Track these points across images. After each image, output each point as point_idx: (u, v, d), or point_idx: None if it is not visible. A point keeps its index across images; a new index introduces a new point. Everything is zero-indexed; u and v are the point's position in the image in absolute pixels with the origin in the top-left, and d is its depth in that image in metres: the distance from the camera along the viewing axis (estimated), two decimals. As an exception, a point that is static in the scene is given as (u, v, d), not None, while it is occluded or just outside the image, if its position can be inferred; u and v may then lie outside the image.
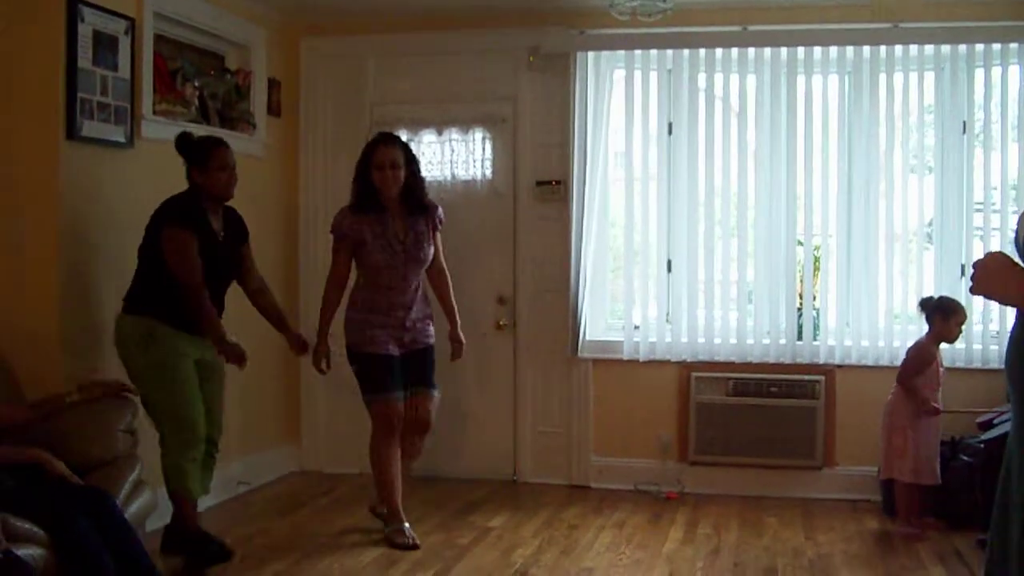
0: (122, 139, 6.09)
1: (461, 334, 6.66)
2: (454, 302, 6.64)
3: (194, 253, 5.59)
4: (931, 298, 6.70)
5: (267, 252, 7.53)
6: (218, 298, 5.86)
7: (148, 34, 6.34)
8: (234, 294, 6.10)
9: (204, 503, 6.29)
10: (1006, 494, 3.04)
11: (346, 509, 7.09)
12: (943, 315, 6.56)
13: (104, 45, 5.92)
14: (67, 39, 5.69)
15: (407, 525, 6.33)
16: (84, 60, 5.77)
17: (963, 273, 7.19)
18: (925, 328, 6.68)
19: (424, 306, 6.48)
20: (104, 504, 4.65)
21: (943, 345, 6.69)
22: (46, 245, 5.72)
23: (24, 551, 4.18)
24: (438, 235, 6.49)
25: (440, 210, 6.51)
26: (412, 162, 6.36)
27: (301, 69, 8.12)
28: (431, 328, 6.51)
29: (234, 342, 5.73)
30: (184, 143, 5.80)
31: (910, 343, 6.87)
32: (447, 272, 6.61)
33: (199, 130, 6.62)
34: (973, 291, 2.91)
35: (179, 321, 5.66)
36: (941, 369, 6.66)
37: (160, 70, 6.57)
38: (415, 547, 6.18)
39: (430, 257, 6.42)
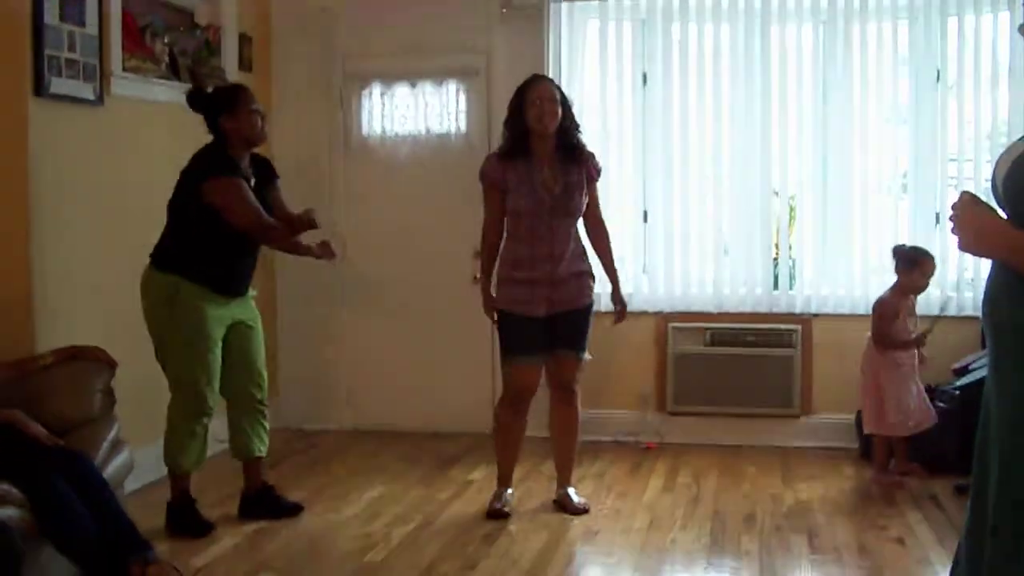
0: (91, 96, 6.01)
1: (623, 295, 6.25)
2: (614, 259, 6.23)
3: (250, 195, 5.47)
4: (903, 246, 6.70)
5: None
6: (245, 255, 5.75)
7: (116, -11, 6.26)
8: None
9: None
10: (984, 440, 3.05)
11: (325, 466, 7.10)
12: (907, 267, 6.56)
13: (71, 0, 5.83)
14: (33, -6, 5.61)
15: (509, 491, 6.17)
16: (51, 16, 5.67)
17: (937, 222, 7.21)
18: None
19: (579, 262, 5.97)
20: (81, 464, 4.63)
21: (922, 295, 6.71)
22: (16, 204, 5.64)
23: (2, 512, 4.16)
24: (595, 186, 6.04)
25: (596, 160, 6.06)
26: (567, 104, 5.94)
27: (272, 24, 8.05)
28: (590, 285, 6.02)
29: (317, 244, 5.76)
30: (200, 97, 5.66)
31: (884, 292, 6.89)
32: (606, 227, 6.18)
33: (169, 87, 6.60)
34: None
35: (209, 280, 5.54)
36: (911, 319, 6.67)
37: (129, 26, 6.48)
38: (502, 514, 5.96)
39: (582, 208, 5.95)
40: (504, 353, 6.03)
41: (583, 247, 6.06)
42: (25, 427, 4.66)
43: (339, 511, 6.07)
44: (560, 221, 5.87)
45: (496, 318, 6.04)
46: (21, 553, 4.12)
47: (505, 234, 6.00)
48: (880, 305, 6.65)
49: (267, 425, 6.03)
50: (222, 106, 5.58)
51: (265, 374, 5.99)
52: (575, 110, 6.08)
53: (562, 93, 5.98)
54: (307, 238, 5.91)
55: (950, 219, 2.90)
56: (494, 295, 6.04)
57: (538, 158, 5.90)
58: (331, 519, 5.92)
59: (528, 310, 5.90)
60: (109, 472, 4.91)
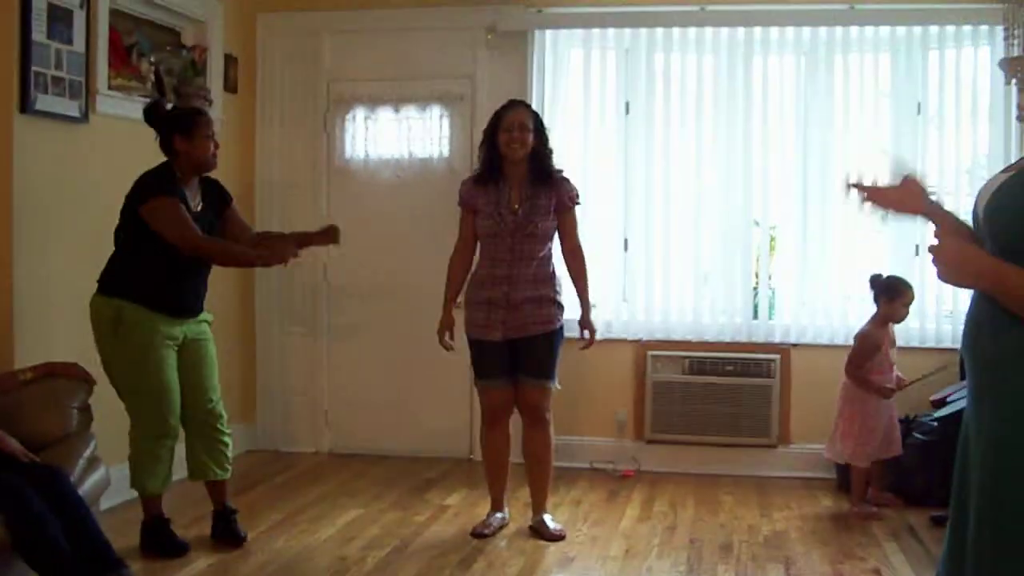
0: (76, 114, 6.03)
1: (592, 322, 6.21)
2: (587, 286, 6.18)
3: (185, 215, 5.39)
4: (880, 276, 6.72)
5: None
6: (195, 276, 5.68)
7: (103, 8, 6.26)
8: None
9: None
10: (963, 470, 3.06)
11: (301, 488, 7.07)
12: (888, 297, 6.59)
13: (59, 18, 5.85)
14: (21, 11, 5.62)
15: (498, 515, 6.20)
16: (38, 33, 5.70)
17: (917, 253, 7.24)
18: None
19: (540, 286, 5.95)
20: (57, 481, 4.61)
21: (901, 324, 6.73)
22: (0, 220, 5.65)
23: (-24, 528, 4.15)
24: (571, 214, 6.07)
25: (571, 185, 6.09)
26: (541, 129, 6.00)
27: (258, 45, 8.07)
28: (551, 311, 5.99)
29: (266, 253, 5.66)
30: (156, 113, 5.59)
31: (865, 322, 6.92)
32: (582, 252, 6.15)
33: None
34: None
35: (154, 302, 5.47)
36: (892, 350, 6.69)
37: (115, 45, 6.50)
38: (482, 535, 6.01)
39: (547, 232, 5.97)
40: (475, 375, 6.17)
41: (552, 274, 6.06)
42: (3, 444, 4.64)
43: (315, 533, 6.05)
44: (521, 244, 5.93)
45: (448, 344, 6.20)
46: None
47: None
48: (862, 338, 6.66)
49: (227, 445, 5.92)
50: (178, 127, 5.53)
51: (217, 394, 5.86)
52: (557, 136, 6.11)
53: (537, 119, 6.04)
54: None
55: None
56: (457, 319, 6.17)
57: (509, 182, 5.99)
58: (307, 541, 5.90)
59: (485, 334, 5.99)
60: (85, 489, 4.89)
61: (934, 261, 2.88)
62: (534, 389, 6.02)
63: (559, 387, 6.14)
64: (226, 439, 5.91)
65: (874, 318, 6.67)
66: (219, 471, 5.87)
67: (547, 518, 6.12)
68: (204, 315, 5.81)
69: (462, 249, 6.17)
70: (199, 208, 5.61)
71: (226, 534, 5.87)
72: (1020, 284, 2.73)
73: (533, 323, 5.95)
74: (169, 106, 5.74)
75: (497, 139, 5.95)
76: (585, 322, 6.18)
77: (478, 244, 6.11)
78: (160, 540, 5.63)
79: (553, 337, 6.01)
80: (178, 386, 5.62)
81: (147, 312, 5.45)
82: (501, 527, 6.18)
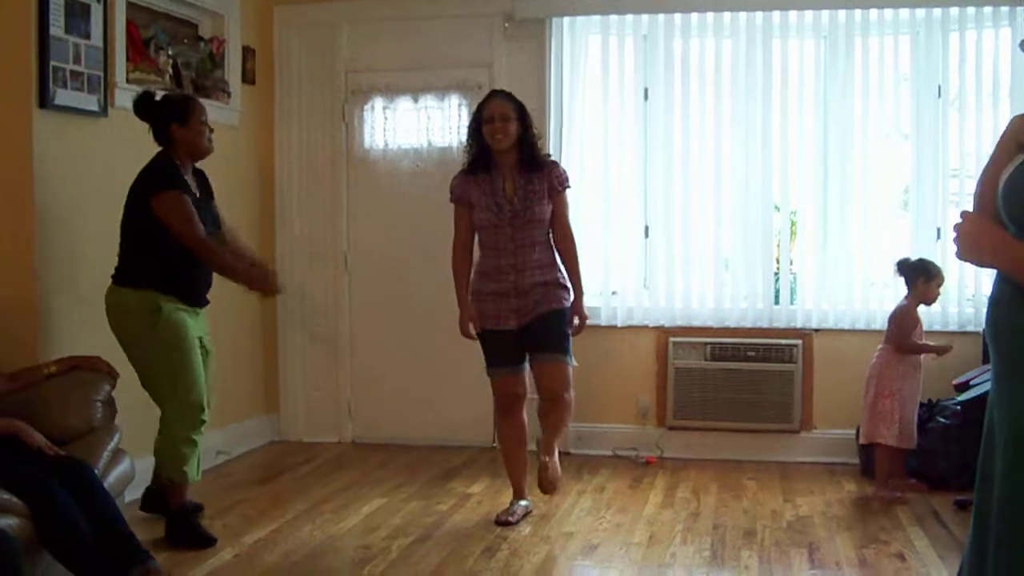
0: (95, 108, 6.04)
1: (584, 307, 6.15)
2: (579, 271, 6.12)
3: (192, 210, 5.45)
4: (908, 260, 6.70)
5: (243, 221, 7.49)
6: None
7: (121, 2, 6.29)
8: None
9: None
10: (988, 451, 3.05)
11: (325, 477, 7.09)
12: (926, 278, 6.57)
13: (76, 13, 5.86)
14: (38, 6, 5.64)
15: (522, 503, 6.21)
16: (56, 28, 5.72)
17: (939, 237, 7.22)
18: (902, 291, 6.71)
19: (547, 271, 6.01)
20: (82, 474, 4.63)
21: (921, 307, 6.71)
22: (22, 214, 5.68)
23: (3, 521, 4.17)
24: (562, 196, 6.06)
25: (562, 169, 6.11)
26: (525, 117, 5.99)
27: (275, 37, 8.08)
28: (559, 293, 6.03)
29: (258, 272, 5.72)
30: (148, 103, 5.62)
31: (887, 307, 6.91)
32: (572, 237, 6.11)
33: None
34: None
35: (183, 294, 5.56)
36: (923, 331, 6.69)
37: (133, 38, 6.52)
38: (506, 523, 6.01)
39: (544, 217, 5.99)
40: (487, 366, 6.16)
41: (554, 258, 6.08)
42: (27, 437, 4.66)
43: (339, 523, 6.06)
44: (522, 231, 5.96)
45: (474, 334, 6.11)
46: (22, 562, 4.12)
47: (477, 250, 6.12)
48: (901, 312, 6.65)
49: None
50: (174, 114, 5.57)
51: (214, 392, 5.96)
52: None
53: (520, 107, 6.02)
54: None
55: (954, 228, 2.91)
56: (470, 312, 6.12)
57: (500, 171, 6.02)
58: (331, 531, 5.91)
59: (498, 323, 6.01)
60: (110, 482, 4.91)
61: (955, 239, 2.88)
62: (553, 365, 6.00)
63: (576, 364, 6.13)
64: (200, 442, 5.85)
65: (907, 298, 6.65)
66: (198, 472, 5.80)
67: (549, 460, 6.05)
68: (203, 308, 5.86)
69: (461, 247, 6.15)
70: (198, 194, 5.68)
71: (200, 539, 5.70)
72: None
73: (544, 302, 5.98)
74: (158, 95, 5.74)
75: (482, 131, 5.98)
76: (577, 308, 6.13)
77: (475, 237, 6.13)
78: (188, 532, 5.64)
79: (563, 314, 6.04)
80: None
81: (177, 302, 5.53)
82: (525, 514, 6.18)
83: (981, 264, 2.97)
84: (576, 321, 6.14)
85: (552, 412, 6.12)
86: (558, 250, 6.10)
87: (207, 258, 5.56)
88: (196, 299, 5.69)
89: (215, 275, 5.78)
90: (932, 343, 6.65)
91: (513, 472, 6.27)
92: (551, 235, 6.08)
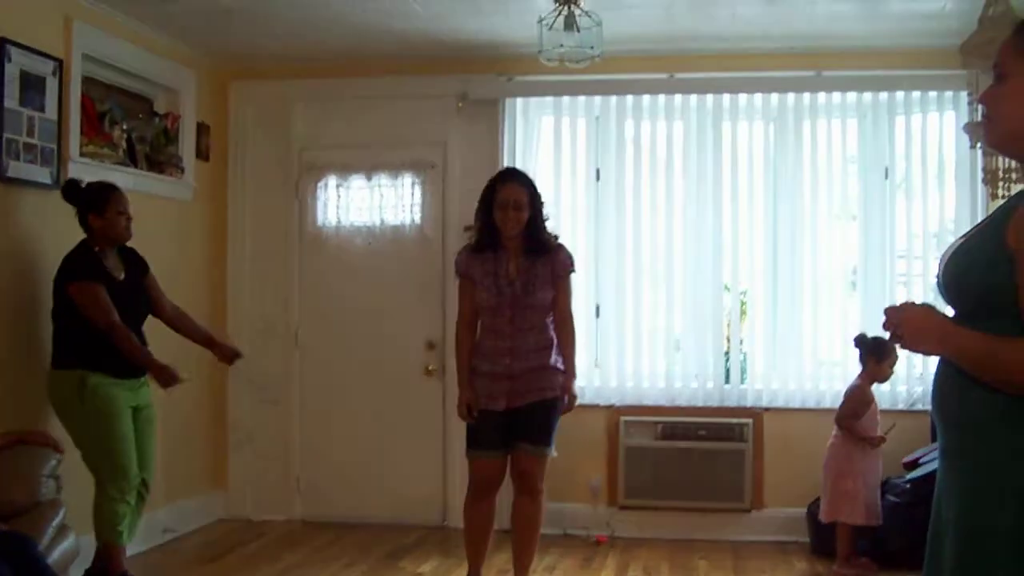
0: (48, 180, 6.03)
1: (575, 389, 6.03)
2: (573, 355, 6.03)
3: (105, 297, 5.63)
4: (865, 336, 6.76)
5: (194, 295, 7.50)
6: (138, 335, 5.89)
7: (76, 76, 6.31)
8: (158, 335, 6.06)
9: (130, 550, 6.21)
10: (936, 533, 3.06)
11: (273, 555, 7.02)
12: (877, 358, 6.63)
13: (31, 86, 5.88)
14: (-7, 78, 5.64)
15: None
16: (11, 100, 5.72)
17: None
18: (851, 369, 6.77)
19: (543, 355, 5.92)
20: (26, 549, 4.55)
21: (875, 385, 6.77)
22: (-28, 286, 5.65)
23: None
24: (565, 282, 6.00)
25: (566, 254, 6.03)
26: (536, 201, 5.95)
27: (230, 113, 8.10)
28: (552, 379, 5.93)
29: (164, 364, 5.72)
30: (73, 190, 5.81)
31: (837, 386, 6.97)
32: (571, 323, 6.03)
33: (127, 174, 6.63)
34: (904, 347, 2.93)
35: (111, 367, 5.69)
36: (877, 409, 6.74)
37: (88, 112, 6.53)
38: None
39: (545, 303, 5.92)
40: (467, 445, 6.04)
41: (552, 342, 5.99)
42: (-29, 511, 4.61)
43: (287, 601, 6.01)
44: (522, 315, 5.90)
45: (468, 414, 5.99)
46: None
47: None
48: (854, 392, 6.71)
49: (142, 512, 6.00)
50: (91, 205, 5.77)
51: (153, 468, 6.06)
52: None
53: (532, 190, 5.97)
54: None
55: (887, 312, 2.92)
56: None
57: (506, 252, 5.95)
58: (279, 609, 5.86)
59: (488, 404, 5.91)
60: (54, 558, 4.84)
61: (899, 329, 2.89)
62: (531, 456, 5.92)
63: (555, 455, 6.07)
64: (143, 504, 6.01)
65: (862, 375, 6.71)
66: (131, 535, 5.90)
67: None
68: (144, 379, 5.93)
69: (464, 324, 6.07)
70: (122, 277, 5.87)
71: None
72: (979, 349, 2.74)
73: (534, 390, 5.89)
74: (84, 184, 5.87)
75: (493, 212, 5.92)
76: (567, 387, 6.03)
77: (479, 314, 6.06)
78: None
79: (553, 405, 5.95)
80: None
81: (105, 377, 5.68)
82: None
83: (928, 353, 2.99)
84: (566, 400, 6.04)
85: (525, 511, 6.01)
86: (556, 334, 6.01)
87: (118, 344, 5.67)
88: (126, 371, 5.79)
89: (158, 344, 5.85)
90: (876, 432, 6.68)
91: (472, 554, 6.13)
92: (552, 316, 6.01)
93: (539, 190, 6.04)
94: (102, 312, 5.60)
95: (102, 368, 5.67)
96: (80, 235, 5.77)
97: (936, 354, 2.94)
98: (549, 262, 5.94)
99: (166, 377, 5.74)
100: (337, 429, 8.01)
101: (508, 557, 6.26)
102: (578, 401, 6.13)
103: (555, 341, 5.99)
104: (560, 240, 6.13)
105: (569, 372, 6.04)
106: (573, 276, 6.12)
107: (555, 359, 5.95)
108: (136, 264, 6.02)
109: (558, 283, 5.98)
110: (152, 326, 6.05)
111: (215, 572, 6.64)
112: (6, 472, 5.09)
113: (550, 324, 6.00)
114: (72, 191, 5.80)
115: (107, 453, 5.67)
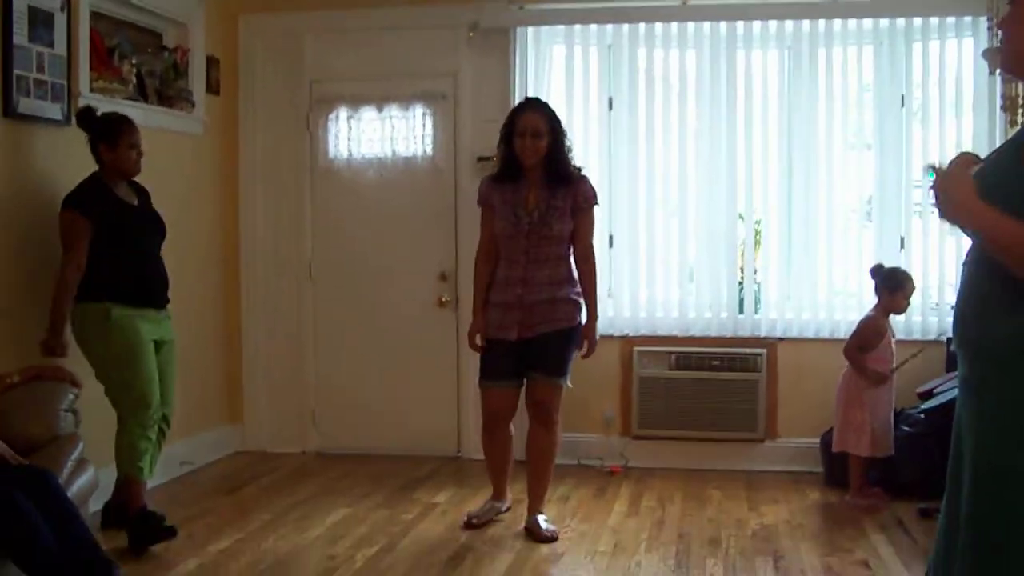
0: (59, 116, 6.01)
1: (596, 331, 6.11)
2: (595, 293, 6.06)
3: (80, 234, 5.62)
4: (881, 266, 6.74)
5: (207, 230, 7.52)
6: (153, 261, 5.94)
7: (84, 11, 6.26)
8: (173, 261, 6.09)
9: (148, 482, 6.27)
10: (956, 462, 3.05)
11: (289, 488, 7.06)
12: (890, 289, 6.61)
13: (40, 21, 5.84)
14: (1, 15, 5.61)
15: (496, 504, 6.30)
16: (20, 36, 5.69)
17: (902, 247, 7.29)
18: (866, 300, 6.76)
19: (557, 288, 5.91)
20: (46, 483, 4.59)
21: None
22: (-16, 224, 5.65)
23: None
24: (587, 215, 6.00)
25: (589, 186, 6.01)
26: (557, 130, 5.92)
27: (240, 46, 8.04)
28: (567, 310, 5.95)
29: (62, 342, 5.66)
30: (88, 118, 5.79)
31: (851, 316, 6.97)
32: (593, 259, 6.05)
33: (137, 109, 6.59)
34: (941, 217, 2.90)
35: (134, 297, 5.75)
36: (893, 340, 6.72)
37: (97, 47, 6.49)
38: (470, 524, 6.12)
39: (563, 234, 5.92)
40: (480, 376, 6.12)
41: (568, 275, 6.00)
42: (-10, 447, 4.64)
43: (303, 533, 6.04)
44: (537, 246, 5.90)
45: (479, 345, 6.07)
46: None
47: None
48: (865, 324, 6.70)
49: (163, 446, 6.12)
50: (103, 135, 5.76)
51: (174, 393, 6.13)
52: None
53: (553, 120, 5.96)
54: None
55: (934, 185, 2.89)
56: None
57: (527, 182, 5.95)
58: (295, 541, 5.89)
59: (500, 334, 5.95)
60: (73, 491, 4.87)
61: (936, 189, 2.86)
62: (545, 386, 5.98)
63: (570, 386, 6.11)
64: (165, 439, 6.12)
65: (876, 307, 6.69)
66: (152, 470, 5.97)
67: (541, 519, 6.07)
68: (169, 310, 6.03)
69: (483, 253, 6.12)
70: (135, 202, 5.91)
71: (163, 530, 5.75)
72: (1007, 229, 2.70)
73: (546, 322, 5.92)
74: (99, 112, 5.85)
75: (513, 141, 5.92)
76: (588, 330, 6.08)
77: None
78: (150, 527, 5.66)
79: (567, 335, 5.98)
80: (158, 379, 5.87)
81: (128, 308, 5.72)
82: (497, 514, 6.26)
83: (954, 220, 2.93)
84: (586, 345, 6.10)
85: (539, 442, 6.10)
86: (578, 269, 6.02)
87: (58, 285, 5.64)
88: (149, 300, 5.86)
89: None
90: (889, 365, 6.69)
91: (493, 478, 6.32)
92: (573, 251, 6.01)
93: (561, 120, 6.02)
94: (71, 248, 5.60)
95: (125, 299, 5.71)
96: (92, 168, 5.76)
97: (955, 221, 2.90)
98: (570, 194, 5.93)
99: (52, 349, 5.64)
100: (351, 362, 8.04)
101: (523, 487, 6.30)
102: (595, 346, 6.15)
103: (572, 275, 5.99)
104: (584, 172, 6.09)
105: (591, 313, 6.06)
106: (596, 210, 6.13)
107: (569, 291, 5.96)
108: (146, 195, 6.04)
109: (579, 216, 5.97)
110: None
111: (232, 504, 6.69)
112: (24, 407, 5.13)
113: (568, 257, 5.99)
114: (86, 118, 5.78)
115: (129, 388, 5.71)
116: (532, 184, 5.94)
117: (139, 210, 5.90)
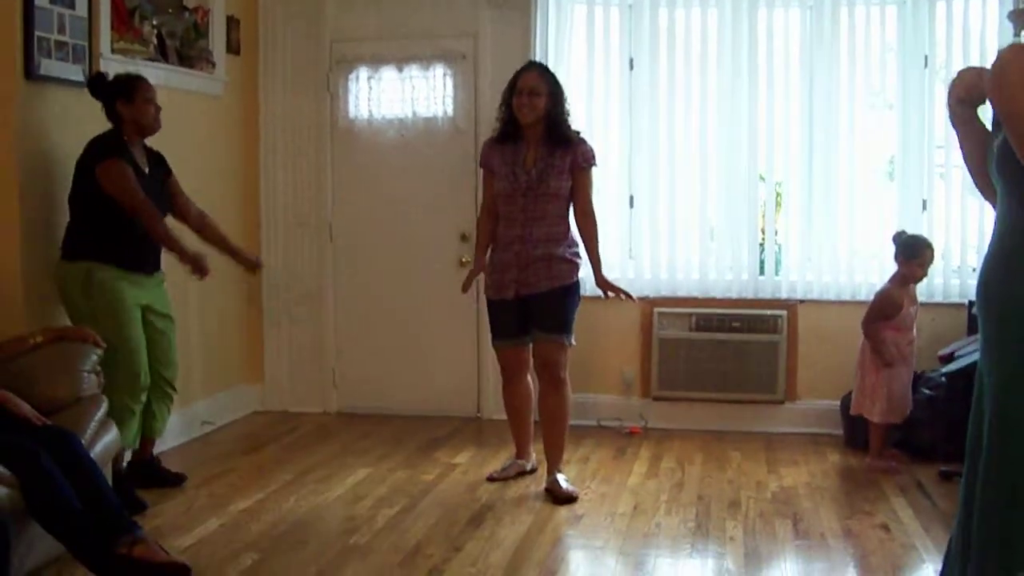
0: (80, 78, 5.99)
1: (607, 278, 6.20)
2: (596, 246, 6.14)
3: (132, 176, 5.62)
4: (903, 232, 6.69)
5: (227, 191, 7.52)
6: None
7: (105, -29, 6.25)
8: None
9: (168, 442, 6.32)
10: (977, 426, 3.06)
11: (310, 447, 7.10)
12: (905, 257, 6.56)
13: (61, -18, 5.84)
14: (23, -23, 5.60)
15: (519, 461, 6.46)
16: (41, -3, 5.69)
17: (924, 208, 7.25)
18: (887, 263, 6.73)
19: (554, 246, 6.01)
20: (69, 443, 4.62)
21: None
22: (6, 185, 5.64)
23: (-8, 491, 4.17)
24: (585, 174, 6.08)
25: (588, 148, 6.10)
26: (556, 93, 6.02)
27: (260, 7, 8.01)
28: (563, 268, 6.04)
29: (195, 253, 5.75)
30: (100, 83, 5.77)
31: (872, 278, 6.95)
32: (593, 216, 6.13)
33: (158, 69, 6.59)
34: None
35: (120, 259, 5.71)
36: (913, 309, 6.65)
37: (118, 8, 6.47)
38: (492, 479, 6.32)
39: (561, 192, 6.00)
40: (492, 335, 6.31)
41: (566, 234, 6.09)
42: (13, 406, 4.66)
43: (324, 493, 6.07)
44: (534, 204, 6.00)
45: (466, 288, 6.37)
46: (9, 531, 4.12)
47: None
48: (880, 296, 6.65)
49: (171, 407, 6.15)
50: (120, 92, 5.72)
51: (177, 360, 6.14)
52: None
53: (552, 82, 6.05)
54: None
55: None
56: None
57: (526, 142, 6.05)
58: (316, 501, 5.92)
59: (499, 294, 6.11)
60: (96, 451, 4.90)
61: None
62: (547, 344, 6.07)
63: (574, 343, 6.16)
64: (172, 402, 6.15)
65: (894, 277, 6.65)
66: (163, 428, 6.11)
67: (560, 478, 6.11)
68: (161, 274, 6.02)
69: (485, 211, 6.29)
70: (147, 170, 5.85)
71: (160, 478, 6.01)
72: None
73: (544, 279, 6.01)
74: (111, 75, 5.84)
75: (512, 101, 6.02)
76: (601, 282, 6.18)
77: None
78: (153, 475, 5.92)
79: (566, 293, 6.06)
80: (145, 345, 5.83)
81: (114, 270, 5.68)
82: (518, 473, 6.36)
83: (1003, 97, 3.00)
84: (610, 295, 6.22)
85: (548, 402, 6.17)
86: (578, 226, 6.13)
87: (148, 223, 5.67)
88: (137, 265, 5.82)
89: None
90: (909, 335, 6.64)
91: (516, 434, 6.45)
92: (573, 210, 6.11)
93: (562, 85, 6.12)
94: (130, 191, 5.58)
95: (111, 260, 5.66)
96: (113, 130, 5.77)
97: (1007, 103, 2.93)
98: (569, 153, 6.03)
99: (200, 266, 5.74)
100: (371, 322, 8.06)
101: (542, 447, 6.32)
102: (618, 287, 6.20)
103: (571, 234, 6.11)
104: (583, 136, 6.19)
105: (596, 266, 6.17)
106: (595, 171, 6.25)
107: (566, 250, 6.06)
108: (160, 164, 6.01)
109: (577, 175, 6.07)
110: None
111: (252, 463, 6.72)
112: (48, 368, 5.16)
113: (567, 216, 6.10)
114: (98, 84, 5.77)
115: (114, 351, 5.58)
116: (531, 144, 6.05)
117: (150, 178, 5.82)
